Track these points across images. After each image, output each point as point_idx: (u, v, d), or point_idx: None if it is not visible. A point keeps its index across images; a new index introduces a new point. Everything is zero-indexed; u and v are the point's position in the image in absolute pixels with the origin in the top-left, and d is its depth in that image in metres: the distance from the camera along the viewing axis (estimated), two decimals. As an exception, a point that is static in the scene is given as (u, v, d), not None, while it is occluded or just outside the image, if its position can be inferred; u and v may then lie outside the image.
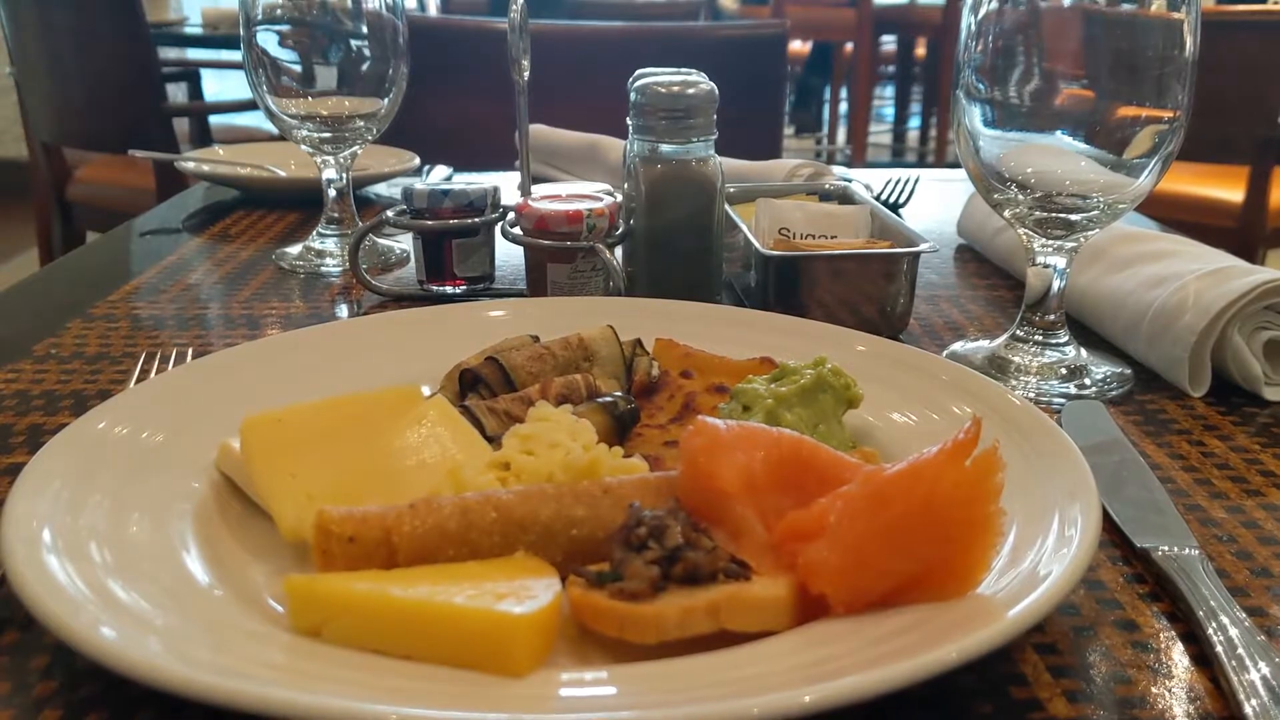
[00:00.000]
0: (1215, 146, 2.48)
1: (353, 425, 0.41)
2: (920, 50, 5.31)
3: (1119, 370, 0.56)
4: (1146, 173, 0.54)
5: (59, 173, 2.60)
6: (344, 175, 0.77)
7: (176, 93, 3.51)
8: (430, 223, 0.66)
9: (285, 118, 0.74)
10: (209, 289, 0.71)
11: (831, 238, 0.67)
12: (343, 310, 0.68)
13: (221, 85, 4.45)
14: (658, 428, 0.45)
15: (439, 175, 1.05)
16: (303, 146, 0.75)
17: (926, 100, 5.38)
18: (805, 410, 0.42)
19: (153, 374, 0.53)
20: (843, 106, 4.88)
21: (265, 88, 0.73)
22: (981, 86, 0.54)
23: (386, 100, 0.75)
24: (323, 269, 0.75)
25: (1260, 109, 2.35)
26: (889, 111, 6.12)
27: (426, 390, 0.49)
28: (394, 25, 0.75)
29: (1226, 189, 2.52)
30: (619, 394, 0.44)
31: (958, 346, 0.60)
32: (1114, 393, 0.55)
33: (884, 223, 0.67)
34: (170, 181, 2.40)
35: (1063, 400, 0.53)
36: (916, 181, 0.90)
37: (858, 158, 4.48)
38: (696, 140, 0.63)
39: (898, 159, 5.37)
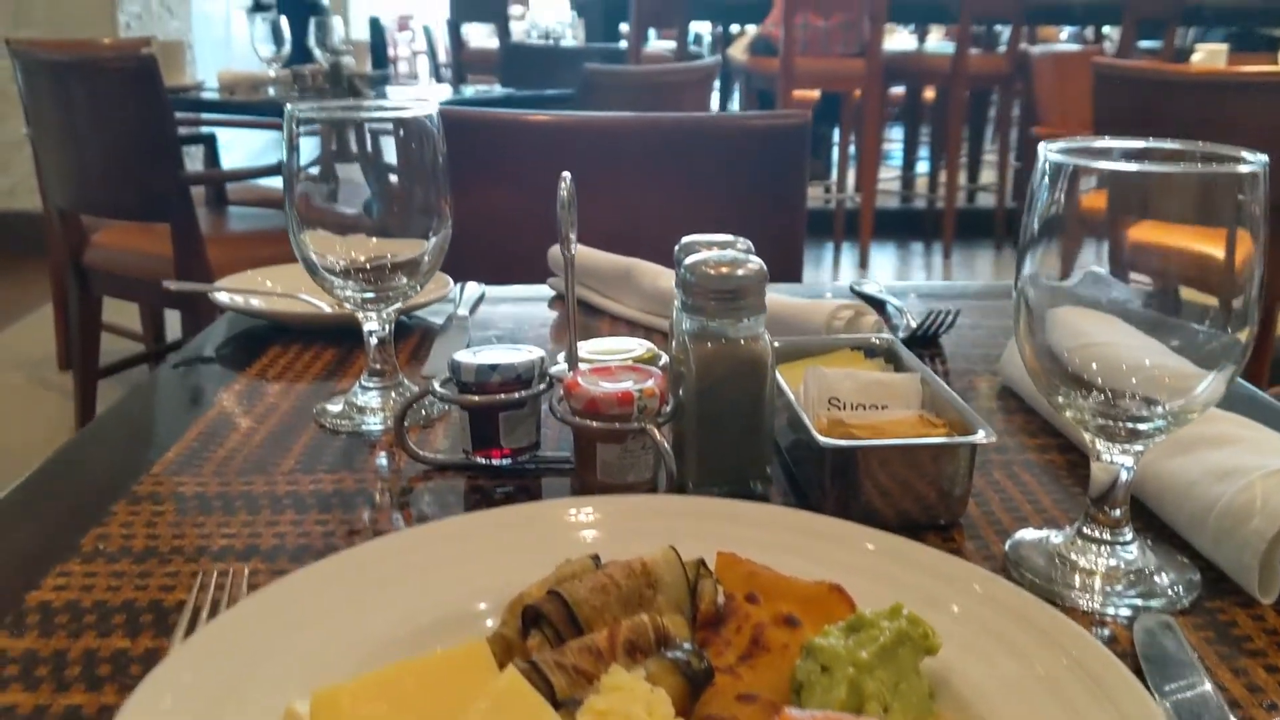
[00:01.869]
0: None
1: (422, 698, 0.40)
2: (929, 93, 5.32)
3: (1187, 577, 0.55)
4: (1211, 383, 0.53)
5: (75, 238, 2.61)
6: (386, 326, 0.76)
7: (193, 155, 3.52)
8: (478, 399, 0.65)
9: (327, 275, 0.74)
10: (251, 457, 0.70)
11: (882, 408, 0.66)
12: (383, 464, 0.67)
13: (234, 137, 4.47)
14: (727, 671, 0.44)
15: (471, 294, 1.05)
16: (345, 305, 0.75)
17: (935, 144, 5.39)
18: (886, 671, 0.42)
19: (205, 603, 0.53)
20: (850, 148, 4.88)
21: (304, 237, 0.73)
22: (1048, 279, 0.54)
23: (431, 243, 0.74)
24: (365, 428, 0.74)
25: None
26: (897, 150, 6.14)
27: (490, 623, 0.48)
28: (435, 161, 0.74)
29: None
30: (689, 648, 0.44)
31: (1022, 536, 0.59)
32: (1183, 603, 0.54)
33: (935, 392, 0.66)
34: (189, 253, 2.40)
35: (1129, 612, 0.52)
36: (958, 314, 0.89)
37: (866, 205, 4.48)
38: (747, 319, 0.62)
39: (906, 204, 5.37)
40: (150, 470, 0.68)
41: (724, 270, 0.62)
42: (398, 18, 11.35)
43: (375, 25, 8.37)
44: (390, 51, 10.70)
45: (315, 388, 0.83)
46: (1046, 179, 0.54)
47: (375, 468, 0.69)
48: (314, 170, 0.72)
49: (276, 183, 3.16)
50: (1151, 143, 0.56)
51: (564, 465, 0.68)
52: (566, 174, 0.68)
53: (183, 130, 3.00)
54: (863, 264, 4.47)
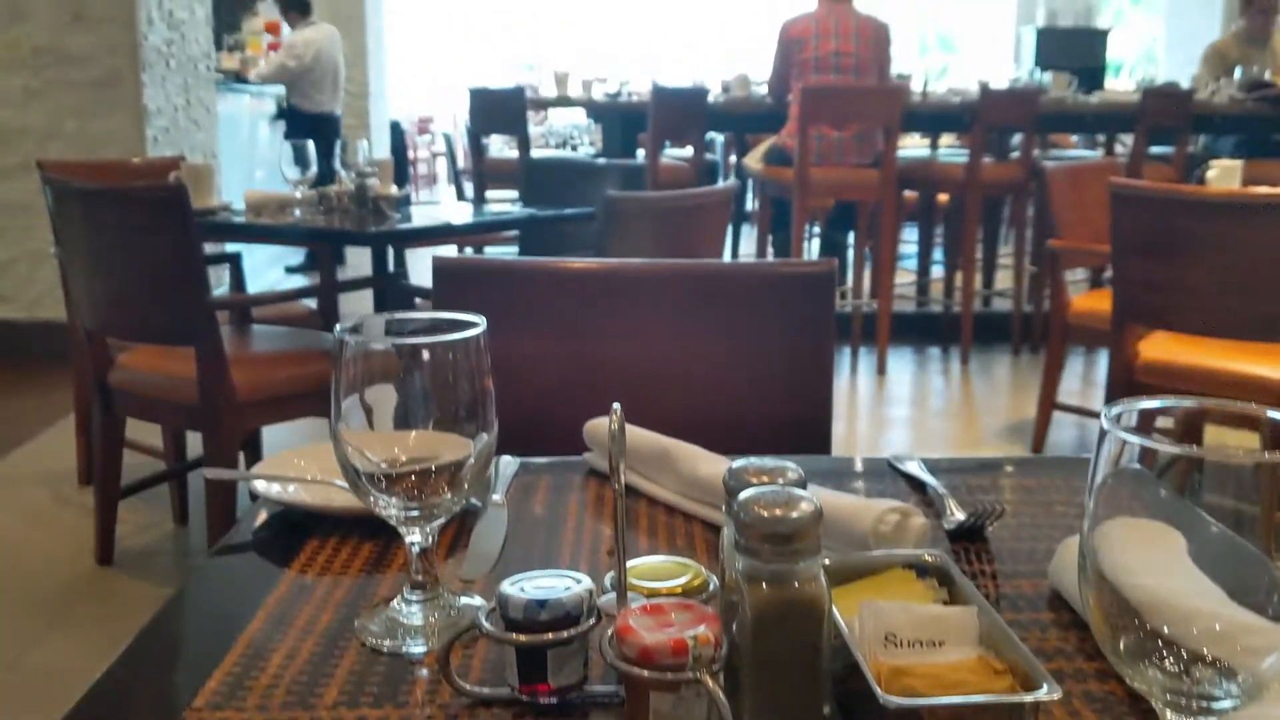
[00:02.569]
0: (1260, 325, 2.48)
1: None
2: (943, 197, 5.38)
3: None
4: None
5: (100, 359, 2.63)
6: (429, 538, 0.76)
7: (218, 273, 3.57)
8: (526, 639, 0.64)
9: (370, 490, 0.73)
10: (295, 685, 0.69)
11: (939, 644, 0.65)
12: (428, 694, 0.66)
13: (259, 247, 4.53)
14: None
15: (507, 472, 1.04)
16: (389, 521, 0.75)
17: (949, 247, 5.43)
18: None
19: None
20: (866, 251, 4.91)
21: (345, 446, 0.73)
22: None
23: (476, 446, 0.74)
24: (407, 649, 0.73)
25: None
26: (911, 251, 6.18)
27: None
28: (478, 373, 0.74)
29: (1274, 368, 2.51)
30: None
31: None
32: None
33: (991, 624, 0.65)
34: (213, 376, 2.41)
35: None
36: (1003, 511, 0.88)
37: (883, 310, 4.50)
38: (803, 561, 0.61)
39: (922, 308, 5.39)
40: (193, 704, 0.67)
41: (778, 512, 0.61)
42: (418, 120, 11.59)
43: (396, 129, 8.55)
44: (410, 154, 10.92)
45: (356, 591, 0.82)
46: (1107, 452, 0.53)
47: (419, 700, 0.68)
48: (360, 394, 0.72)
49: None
50: (1217, 402, 0.55)
51: (612, 700, 0.67)
52: (616, 405, 0.67)
53: (209, 249, 3.05)
54: (880, 369, 4.47)
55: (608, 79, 5.52)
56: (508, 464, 1.07)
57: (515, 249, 3.62)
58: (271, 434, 2.91)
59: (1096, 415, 2.52)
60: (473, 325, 0.72)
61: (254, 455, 2.89)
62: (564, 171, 3.99)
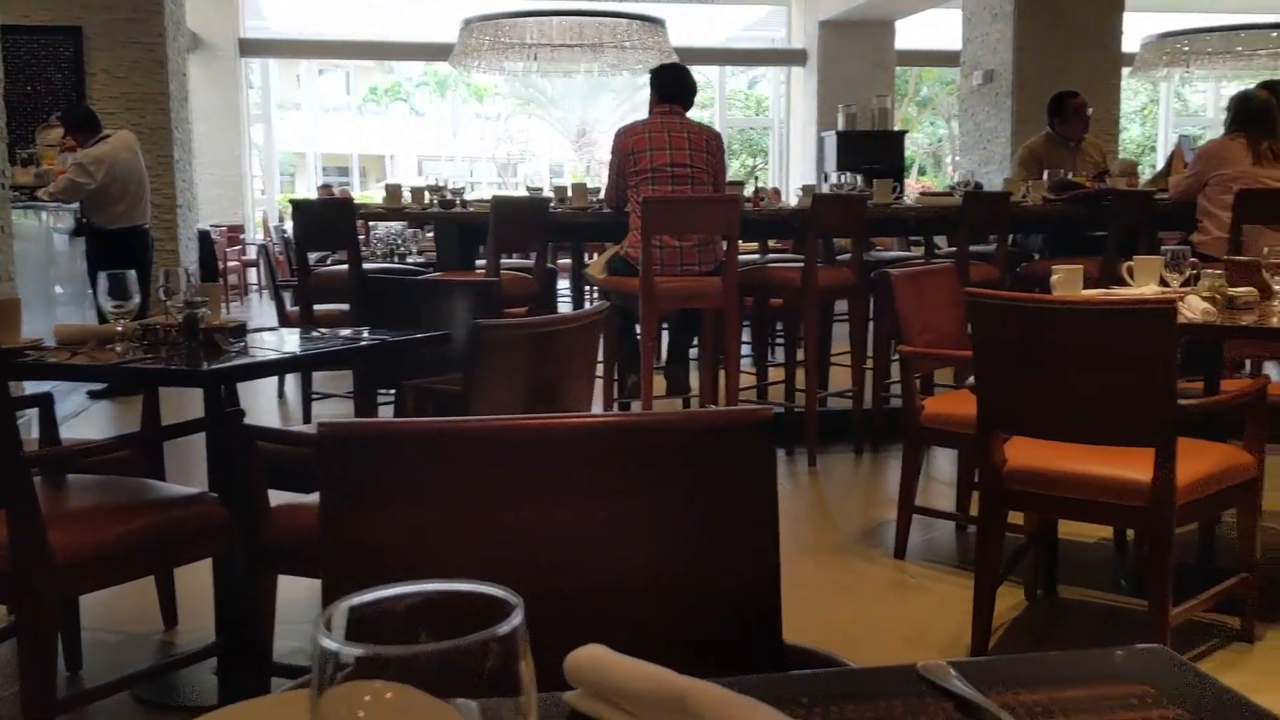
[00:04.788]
0: (1121, 431, 2.52)
1: None
2: (776, 301, 5.44)
3: None
4: None
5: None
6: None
7: (26, 417, 3.21)
8: None
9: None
10: None
11: None
12: None
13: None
14: None
15: None
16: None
17: (788, 349, 5.48)
18: None
19: None
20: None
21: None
22: None
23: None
24: None
25: (1157, 392, 2.41)
26: (745, 352, 6.22)
27: None
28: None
29: (1136, 470, 2.55)
30: None
31: None
32: None
33: None
34: (26, 536, 2.13)
35: None
36: None
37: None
38: None
39: (762, 399, 5.41)
40: None
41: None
42: (227, 229, 11.15)
43: (205, 239, 8.17)
44: (220, 265, 10.46)
45: None
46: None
47: None
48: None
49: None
50: None
51: None
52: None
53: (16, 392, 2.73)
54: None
55: (445, 185, 5.40)
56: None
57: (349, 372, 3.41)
58: (94, 603, 2.60)
59: (951, 517, 2.48)
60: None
61: (72, 629, 2.57)
62: (402, 287, 3.82)
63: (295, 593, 2.56)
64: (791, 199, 7.38)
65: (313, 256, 5.48)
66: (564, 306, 6.20)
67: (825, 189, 8.63)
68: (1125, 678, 0.76)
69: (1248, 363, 4.49)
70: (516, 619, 0.45)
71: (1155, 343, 2.39)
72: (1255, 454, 2.69)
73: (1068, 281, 3.03)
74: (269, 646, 2.35)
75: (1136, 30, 10.65)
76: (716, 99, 13.67)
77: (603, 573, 1.14)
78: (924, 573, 3.39)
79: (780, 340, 5.96)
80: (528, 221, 4.56)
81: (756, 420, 1.20)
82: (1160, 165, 10.49)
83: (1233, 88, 13.19)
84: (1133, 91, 10.52)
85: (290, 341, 2.93)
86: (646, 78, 4.91)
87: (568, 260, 6.43)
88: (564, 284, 6.39)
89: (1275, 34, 10.67)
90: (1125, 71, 9.93)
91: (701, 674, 0.79)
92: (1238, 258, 3.56)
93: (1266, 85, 5.14)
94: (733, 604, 1.17)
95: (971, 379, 2.81)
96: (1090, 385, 2.48)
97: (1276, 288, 2.91)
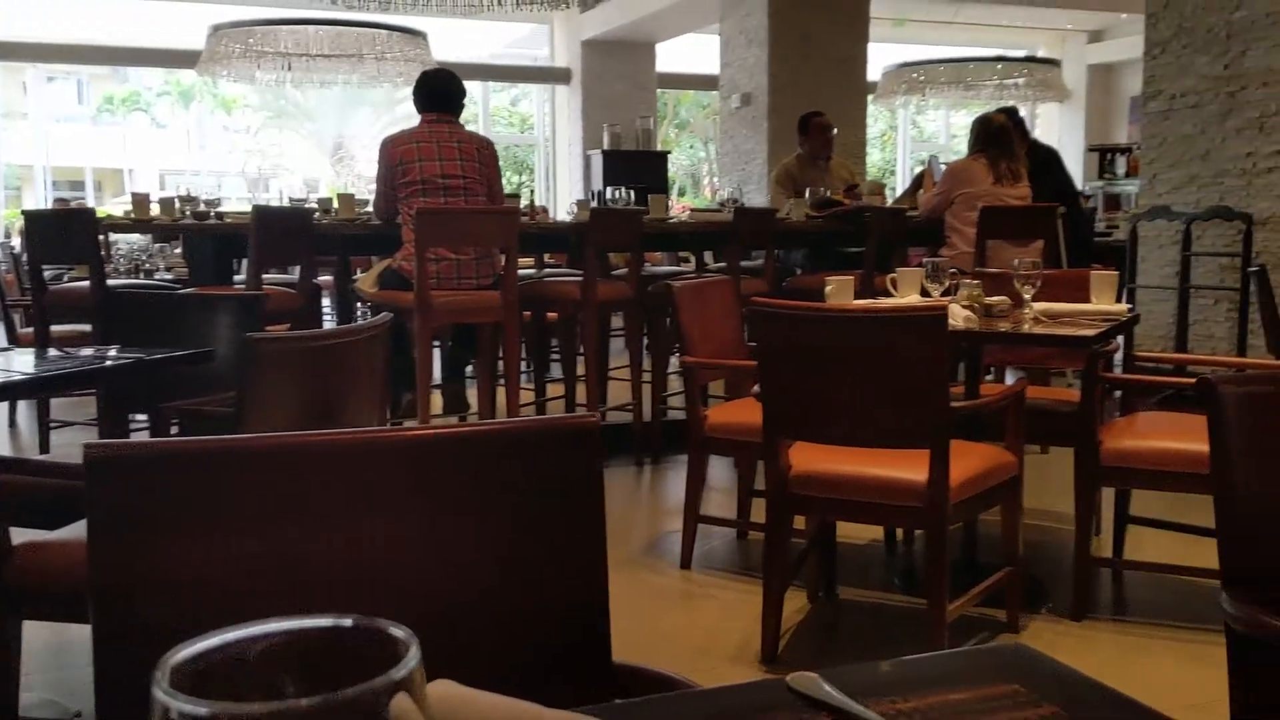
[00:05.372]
0: (898, 433, 2.60)
1: None
2: (552, 315, 5.41)
3: None
4: None
5: None
6: None
7: None
8: None
9: None
10: None
11: None
12: None
13: None
14: None
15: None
16: None
17: (565, 363, 5.46)
18: None
19: None
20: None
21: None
22: None
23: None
24: None
25: (931, 395, 2.51)
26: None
27: None
28: None
29: (913, 471, 2.63)
30: None
31: None
32: None
33: None
34: None
35: None
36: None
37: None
38: None
39: (540, 415, 5.36)
40: None
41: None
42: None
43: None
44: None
45: None
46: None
47: None
48: None
49: None
50: None
51: None
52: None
53: None
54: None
55: (197, 196, 5.06)
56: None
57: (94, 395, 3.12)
58: None
59: (734, 525, 2.50)
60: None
61: None
62: (155, 303, 3.54)
63: (42, 638, 2.30)
64: (559, 216, 7.38)
65: (47, 273, 5.02)
66: (327, 324, 5.93)
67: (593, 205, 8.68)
68: (991, 678, 0.75)
69: (992, 369, 4.80)
70: (412, 659, 0.37)
71: (929, 348, 2.49)
72: (1016, 453, 2.85)
73: (840, 291, 3.13)
74: (15, 698, 2.10)
75: (879, 60, 11.32)
76: (480, 116, 13.57)
77: (425, 595, 1.05)
78: (710, 581, 3.42)
79: (556, 356, 5.93)
80: (292, 233, 4.33)
81: (583, 428, 1.14)
82: (899, 188, 11.16)
83: (962, 115, 14.23)
84: (874, 118, 11.15)
85: (21, 362, 2.64)
86: (407, 91, 4.77)
87: (328, 277, 6.18)
88: (324, 301, 6.13)
89: (999, 65, 11.58)
90: (870, 98, 10.51)
91: (533, 698, 0.72)
92: (990, 269, 3.79)
93: (1004, 110, 5.53)
94: (562, 622, 1.10)
95: (757, 387, 2.84)
96: (869, 390, 2.56)
97: (1026, 296, 3.10)
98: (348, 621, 0.39)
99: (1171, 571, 3.15)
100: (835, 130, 6.28)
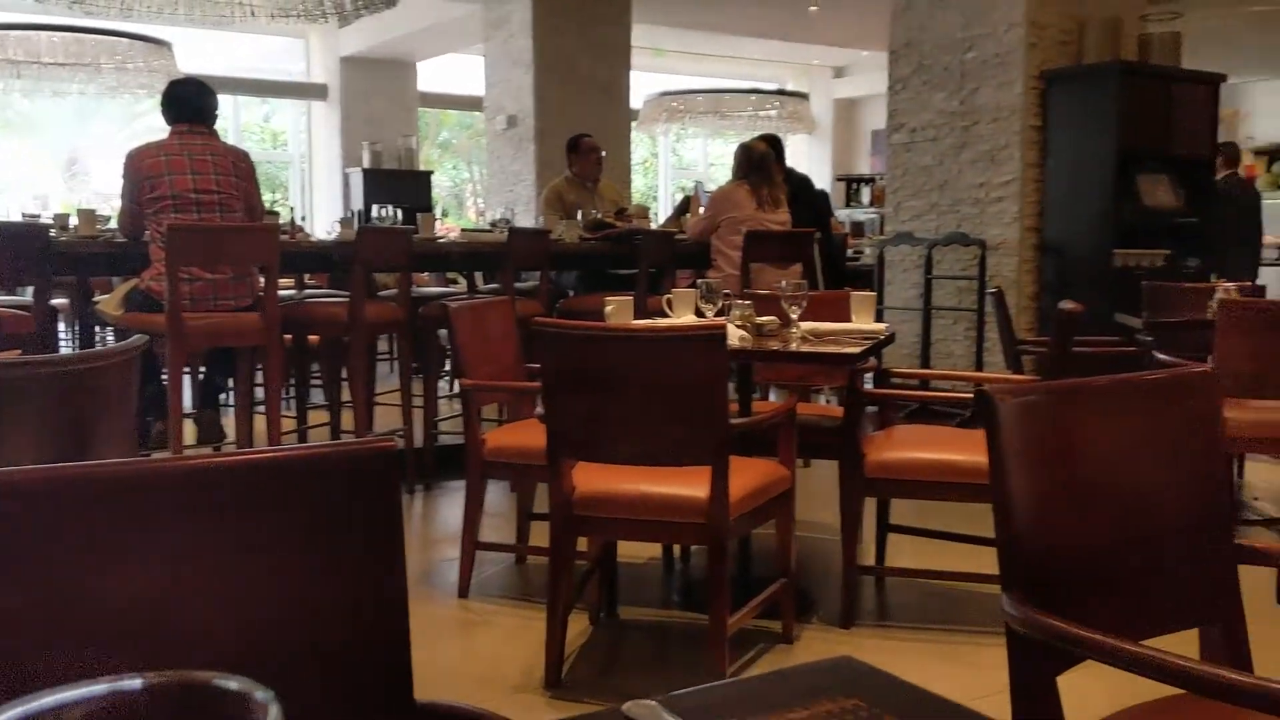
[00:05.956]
0: (681, 451, 2.63)
1: None
2: (314, 338, 5.21)
3: None
4: None
5: None
6: None
7: None
8: None
9: None
10: None
11: None
12: None
13: None
14: None
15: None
16: None
17: (329, 388, 5.26)
18: None
19: None
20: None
21: None
22: None
23: None
24: None
25: (712, 413, 2.55)
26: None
27: None
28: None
29: (694, 488, 2.66)
30: None
31: None
32: None
33: None
34: None
35: None
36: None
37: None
38: None
39: (303, 440, 5.14)
40: None
41: None
42: None
43: None
44: None
45: None
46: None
47: None
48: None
49: None
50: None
51: None
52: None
53: None
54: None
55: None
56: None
57: None
58: None
59: (512, 549, 2.46)
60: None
61: None
62: None
63: None
64: (318, 235, 7.11)
65: None
66: (64, 349, 5.49)
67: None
68: (828, 693, 0.74)
69: (757, 387, 4.95)
70: (273, 720, 0.31)
71: (709, 366, 2.53)
72: (789, 467, 2.94)
73: (620, 312, 3.14)
74: None
75: (642, 88, 11.57)
76: (231, 131, 12.94)
77: (211, 639, 0.95)
78: (489, 609, 3.35)
79: (318, 381, 5.69)
80: (25, 251, 3.96)
81: (379, 453, 1.08)
82: (662, 214, 11.43)
83: (720, 144, 14.74)
84: (636, 144, 11.38)
85: None
86: (150, 103, 4.48)
87: (64, 300, 5.72)
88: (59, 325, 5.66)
89: (753, 97, 12.08)
90: (634, 124, 10.72)
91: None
92: (759, 291, 3.90)
93: (765, 138, 5.75)
94: (363, 660, 1.03)
95: (539, 409, 2.81)
96: (653, 409, 2.57)
97: (793, 316, 3.21)
98: (189, 677, 0.33)
99: (930, 576, 3.33)
100: (604, 153, 6.35)
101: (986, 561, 3.11)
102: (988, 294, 5.86)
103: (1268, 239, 7.92)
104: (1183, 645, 1.34)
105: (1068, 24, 6.27)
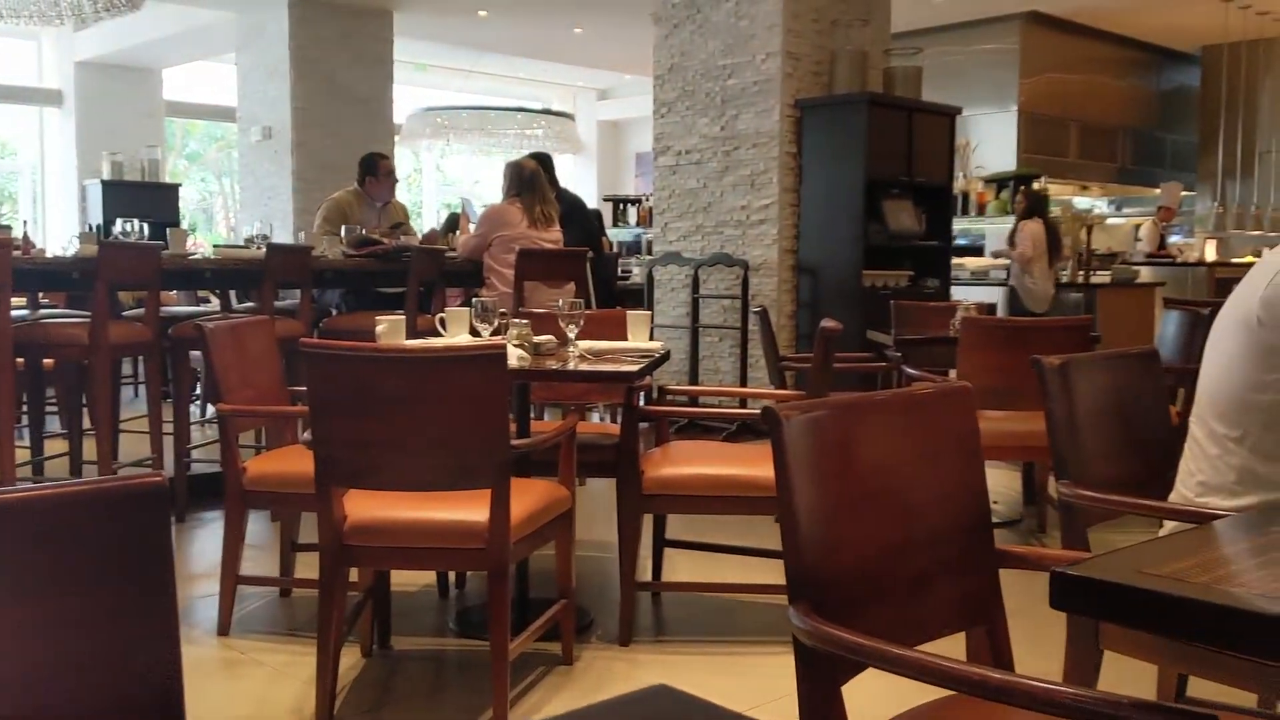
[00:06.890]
0: (459, 475, 2.57)
1: None
2: (49, 362, 4.82)
3: None
4: None
5: None
6: None
7: None
8: None
9: None
10: None
11: None
12: None
13: None
14: None
15: None
16: None
17: (68, 412, 4.88)
18: None
19: None
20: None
21: None
22: None
23: None
24: None
25: (492, 434, 2.50)
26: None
27: None
28: None
29: (473, 512, 2.61)
30: None
31: None
32: None
33: None
34: None
35: None
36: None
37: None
38: None
39: (39, 475, 4.75)
40: None
41: None
42: None
43: None
44: None
45: None
46: None
47: None
48: None
49: None
50: None
51: None
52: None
53: None
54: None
55: None
56: None
57: None
58: None
59: (276, 583, 2.36)
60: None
61: None
62: None
63: None
64: (53, 250, 6.57)
65: None
66: None
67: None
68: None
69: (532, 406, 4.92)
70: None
71: (489, 387, 2.48)
72: (569, 487, 2.92)
73: (392, 332, 3.05)
74: None
75: (406, 102, 11.36)
76: (-52, 136, 11.81)
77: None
78: (253, 645, 3.16)
79: (53, 408, 5.24)
80: None
81: (148, 489, 0.99)
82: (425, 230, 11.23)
83: (487, 161, 14.65)
84: (400, 159, 11.14)
85: None
86: None
87: None
88: None
89: (519, 116, 12.08)
90: (396, 139, 10.50)
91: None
92: (535, 309, 3.88)
93: (535, 156, 5.74)
94: (136, 710, 0.93)
95: (306, 434, 2.68)
96: (430, 432, 2.50)
97: (571, 334, 3.20)
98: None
99: (706, 590, 3.38)
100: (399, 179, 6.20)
101: (761, 573, 3.21)
102: (752, 312, 6.06)
103: (983, 261, 8.49)
104: (957, 648, 1.41)
105: (820, 55, 6.60)
